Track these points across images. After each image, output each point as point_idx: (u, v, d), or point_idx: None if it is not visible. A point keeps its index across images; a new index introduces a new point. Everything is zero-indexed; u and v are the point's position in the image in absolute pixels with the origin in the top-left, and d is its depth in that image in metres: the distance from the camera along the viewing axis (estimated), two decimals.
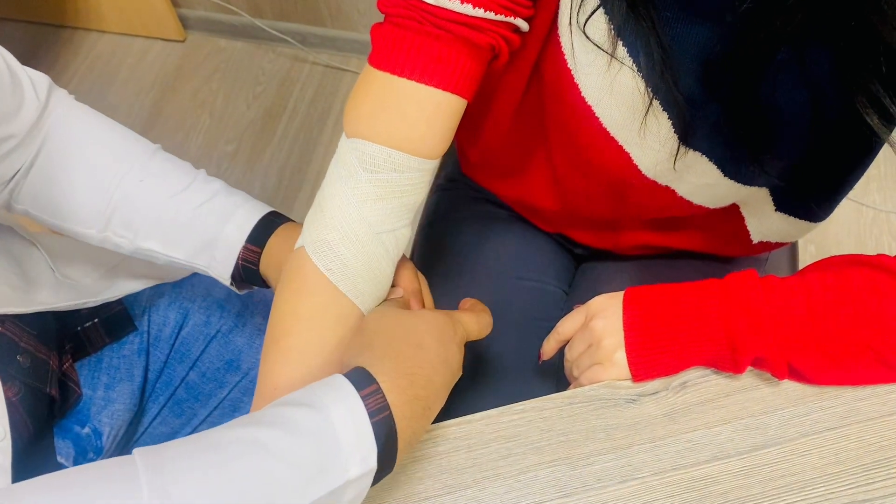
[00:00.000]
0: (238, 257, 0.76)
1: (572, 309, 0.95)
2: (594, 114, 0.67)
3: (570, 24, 0.62)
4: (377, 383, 0.52)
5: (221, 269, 0.77)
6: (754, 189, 0.74)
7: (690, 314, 0.66)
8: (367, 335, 0.59)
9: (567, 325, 0.74)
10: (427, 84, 0.58)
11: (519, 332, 0.90)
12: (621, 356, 0.68)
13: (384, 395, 0.51)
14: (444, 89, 0.59)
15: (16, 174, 0.76)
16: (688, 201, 0.76)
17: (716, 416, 0.66)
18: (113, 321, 0.90)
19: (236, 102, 2.07)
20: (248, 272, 0.76)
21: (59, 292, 0.82)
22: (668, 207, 0.78)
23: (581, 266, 1.00)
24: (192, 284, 0.96)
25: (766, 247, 0.87)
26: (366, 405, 0.50)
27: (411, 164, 0.61)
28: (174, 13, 2.14)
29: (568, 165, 0.78)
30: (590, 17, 0.60)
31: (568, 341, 0.75)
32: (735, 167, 0.70)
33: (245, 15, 2.07)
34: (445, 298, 0.92)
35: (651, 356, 0.67)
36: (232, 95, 2.09)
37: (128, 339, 0.91)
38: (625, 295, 0.70)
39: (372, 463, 0.50)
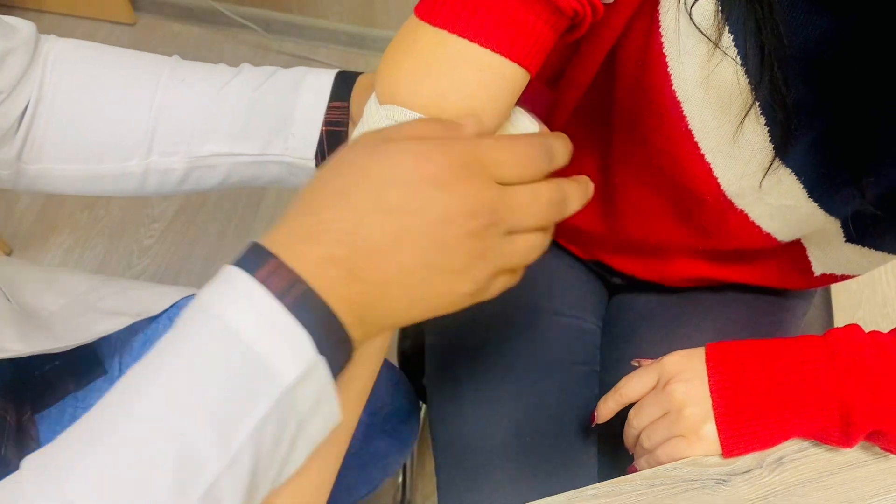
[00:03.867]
0: (322, 123, 0.64)
1: (610, 351, 0.86)
2: (682, 112, 0.57)
3: (680, 1, 0.52)
4: (276, 259, 0.38)
5: (303, 147, 0.64)
6: (829, 218, 0.65)
7: (793, 378, 0.57)
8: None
9: (634, 386, 0.63)
10: (494, 50, 0.47)
11: (560, 381, 0.79)
12: (710, 429, 0.58)
13: (291, 270, 0.37)
14: (512, 58, 0.47)
15: (18, 128, 0.64)
16: (758, 227, 0.67)
17: (820, 500, 0.57)
18: (79, 362, 0.78)
19: None
20: (334, 139, 0.65)
21: (19, 335, 0.69)
22: (735, 236, 0.69)
23: (614, 298, 0.90)
24: (171, 318, 0.83)
25: (830, 279, 0.78)
26: (269, 288, 0.37)
27: None
28: None
29: (630, 177, 0.68)
30: None
31: (630, 403, 0.64)
32: (825, 190, 0.61)
33: None
34: (474, 340, 0.81)
35: (746, 429, 0.57)
36: None
37: (95, 386, 0.78)
38: (707, 353, 0.60)
39: (310, 355, 0.37)
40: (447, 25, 0.47)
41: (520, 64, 0.48)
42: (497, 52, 0.47)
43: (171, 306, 0.82)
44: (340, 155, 0.42)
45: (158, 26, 2.04)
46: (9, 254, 1.66)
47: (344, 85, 0.64)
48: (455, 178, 0.39)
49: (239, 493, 0.37)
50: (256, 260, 0.38)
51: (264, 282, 0.37)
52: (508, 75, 0.48)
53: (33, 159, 0.66)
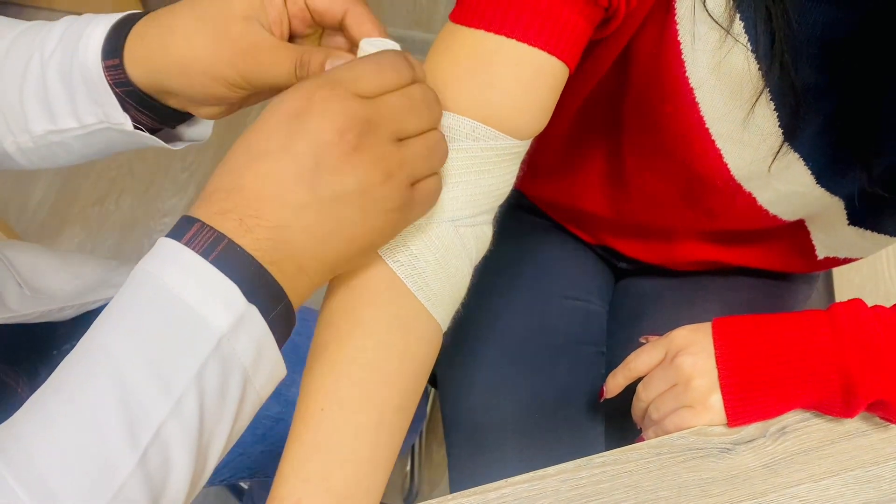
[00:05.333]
0: (109, 84, 0.54)
1: (617, 333, 0.88)
2: (694, 98, 0.58)
3: None
4: (199, 222, 0.40)
5: (113, 112, 0.55)
6: (835, 200, 0.67)
7: (796, 350, 0.58)
8: None
9: (642, 360, 0.65)
10: (530, 44, 0.48)
11: (568, 361, 0.81)
12: (717, 399, 0.59)
13: (213, 229, 0.40)
14: (551, 52, 0.48)
15: None
16: (765, 211, 0.69)
17: (822, 468, 0.58)
18: None
19: None
20: (136, 98, 0.55)
21: (28, 303, 0.71)
22: (742, 218, 0.71)
23: (621, 282, 0.92)
24: None
25: (833, 262, 0.80)
26: (193, 249, 0.39)
27: (499, 144, 0.50)
28: None
29: (640, 162, 0.70)
30: None
31: (638, 378, 0.66)
32: (832, 174, 0.63)
33: None
34: (483, 322, 0.83)
35: (751, 399, 0.59)
36: None
37: None
38: (713, 327, 0.62)
39: (240, 303, 0.39)
40: (483, 25, 0.48)
41: (558, 57, 0.49)
42: (535, 47, 0.48)
43: None
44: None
45: None
46: None
47: (118, 36, 0.53)
48: (311, 104, 0.40)
49: (188, 441, 0.38)
50: (181, 227, 0.40)
51: (188, 243, 0.39)
52: (547, 69, 0.49)
53: None
